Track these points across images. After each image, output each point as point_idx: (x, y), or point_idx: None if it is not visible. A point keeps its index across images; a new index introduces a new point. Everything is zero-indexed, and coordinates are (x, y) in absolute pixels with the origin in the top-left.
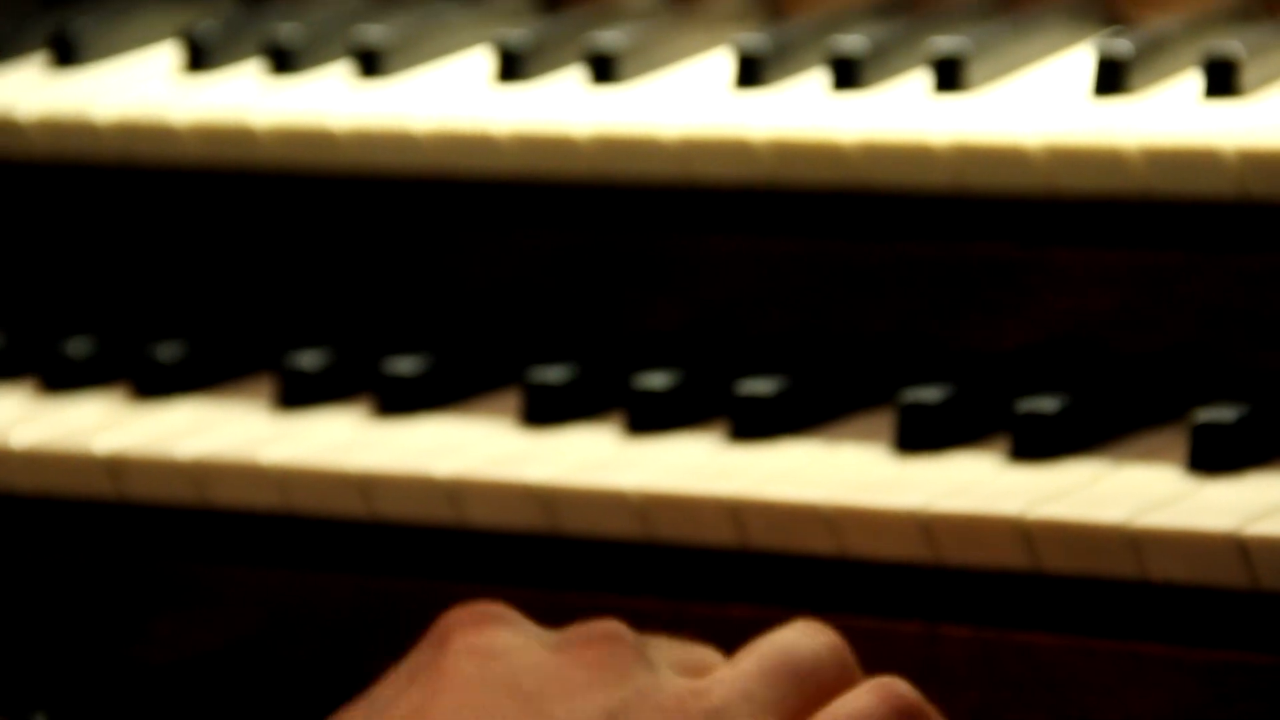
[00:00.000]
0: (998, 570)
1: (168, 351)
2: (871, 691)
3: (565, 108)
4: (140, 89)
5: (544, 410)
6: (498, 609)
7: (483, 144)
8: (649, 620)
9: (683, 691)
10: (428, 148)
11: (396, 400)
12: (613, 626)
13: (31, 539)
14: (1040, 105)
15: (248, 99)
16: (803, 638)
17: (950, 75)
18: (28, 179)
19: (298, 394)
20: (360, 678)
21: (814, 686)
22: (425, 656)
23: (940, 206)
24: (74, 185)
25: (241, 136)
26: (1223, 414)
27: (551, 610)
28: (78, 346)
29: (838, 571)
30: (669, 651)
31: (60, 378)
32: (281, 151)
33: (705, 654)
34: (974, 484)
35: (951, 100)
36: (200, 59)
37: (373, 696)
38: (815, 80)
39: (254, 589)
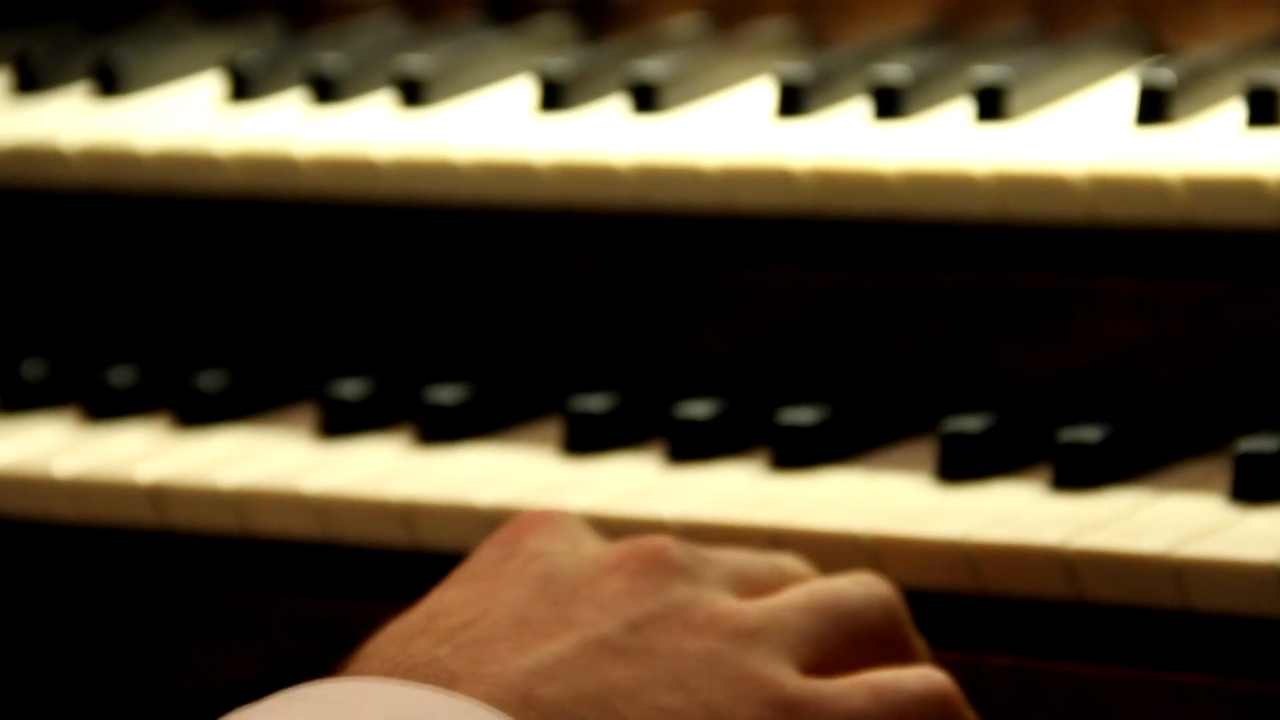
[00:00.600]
0: (1039, 599)
1: (210, 380)
2: (920, 680)
3: (607, 137)
4: (183, 119)
5: (585, 439)
6: (559, 515)
7: (524, 173)
8: None
9: (718, 609)
10: (469, 177)
11: (438, 429)
12: (661, 541)
13: (73, 567)
14: (1082, 134)
15: (290, 129)
16: (856, 586)
17: (992, 104)
18: (70, 208)
19: (339, 423)
20: None
21: (859, 632)
22: (483, 557)
23: (982, 235)
24: (116, 214)
25: (284, 166)
26: (1265, 444)
27: None
28: (120, 375)
29: None
30: (729, 564)
31: (102, 406)
32: (323, 181)
33: (778, 565)
34: (1015, 513)
35: (993, 129)
36: (243, 89)
37: (436, 592)
38: (857, 109)
39: (295, 617)
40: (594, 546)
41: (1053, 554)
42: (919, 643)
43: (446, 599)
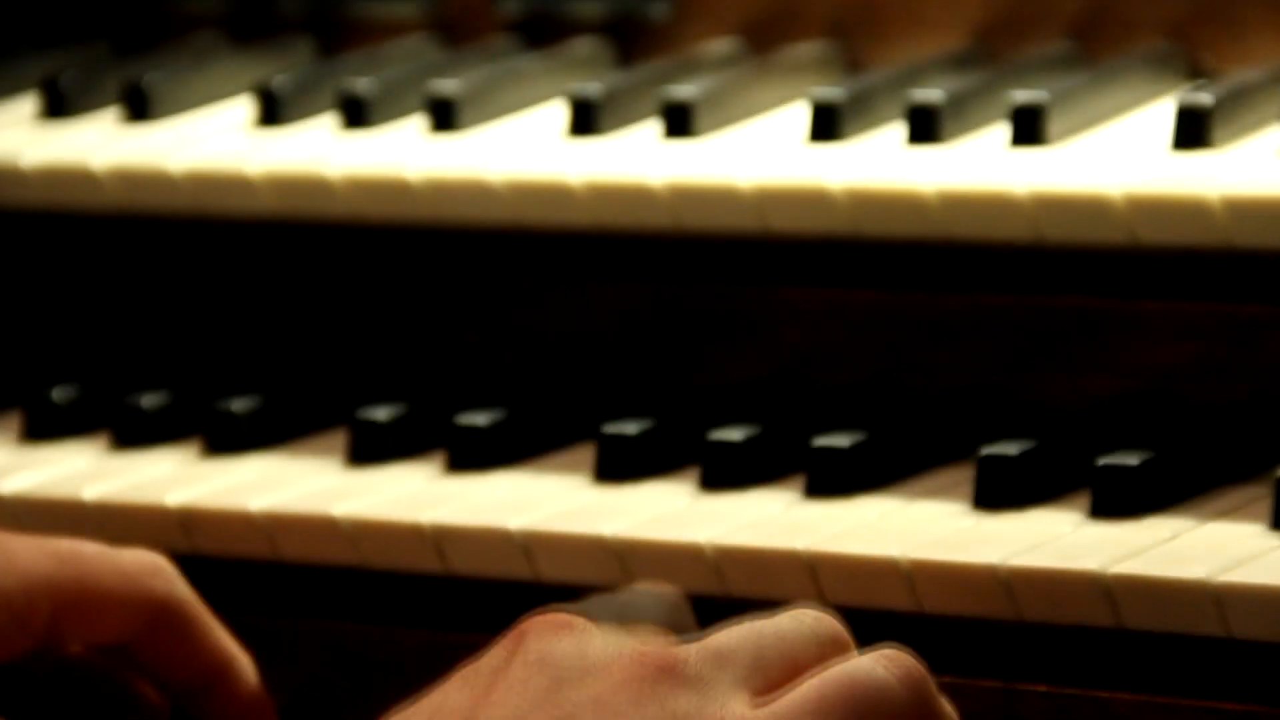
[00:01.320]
0: (1077, 627)
1: (240, 405)
2: (883, 659)
3: (640, 159)
4: (215, 142)
5: (618, 464)
6: (569, 618)
7: (557, 195)
8: None
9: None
10: (503, 199)
11: (469, 454)
12: (672, 652)
13: None
14: (1120, 157)
15: (322, 151)
16: (877, 667)
17: (1029, 127)
18: (100, 231)
19: (370, 448)
20: None
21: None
22: (491, 658)
23: (1020, 259)
24: (147, 238)
25: (316, 188)
26: None
27: None
28: (149, 400)
29: (915, 628)
30: (746, 657)
31: (132, 432)
32: (356, 203)
33: (807, 635)
34: (1053, 539)
35: (1031, 152)
36: (274, 112)
37: (440, 690)
38: (893, 132)
39: (326, 643)
40: (602, 650)
41: (1091, 581)
42: (948, 711)
43: (449, 699)
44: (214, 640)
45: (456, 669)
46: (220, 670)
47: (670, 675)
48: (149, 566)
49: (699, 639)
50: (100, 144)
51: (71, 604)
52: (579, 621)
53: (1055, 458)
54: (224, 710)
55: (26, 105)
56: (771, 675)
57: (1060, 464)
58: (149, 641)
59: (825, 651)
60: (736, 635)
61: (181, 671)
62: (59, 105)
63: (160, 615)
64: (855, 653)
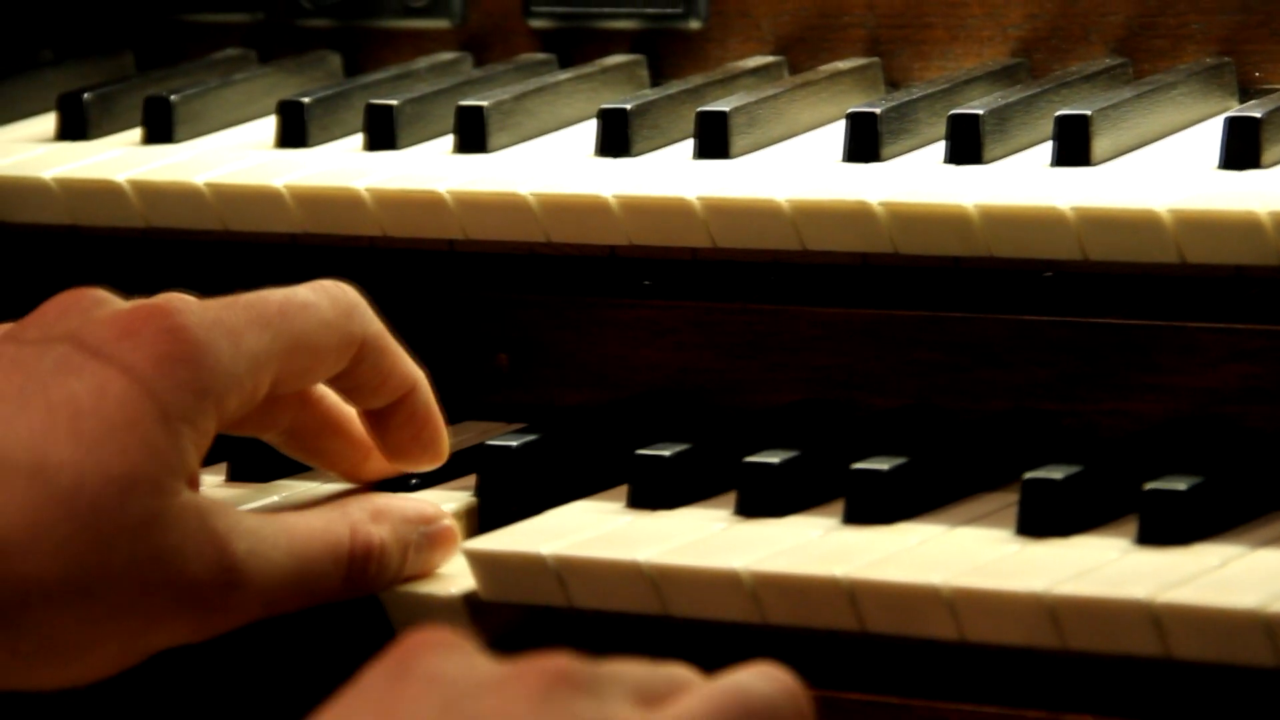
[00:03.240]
0: (1125, 657)
1: None
2: (764, 677)
3: (675, 177)
4: (241, 160)
5: (652, 489)
6: (450, 636)
7: (591, 213)
8: None
9: None
10: (535, 217)
11: (498, 480)
12: (561, 660)
13: None
14: (1168, 175)
15: (352, 168)
16: (759, 680)
17: (1074, 143)
18: (125, 249)
19: (398, 476)
20: None
21: None
22: (373, 680)
23: (1065, 279)
24: (172, 255)
25: (346, 205)
26: None
27: None
28: None
29: (958, 657)
30: (629, 677)
31: None
32: (387, 220)
33: (675, 676)
34: (1100, 566)
35: (1075, 170)
36: (302, 129)
37: (325, 709)
38: (934, 149)
39: None
40: (490, 668)
41: (1139, 609)
42: None
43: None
44: (402, 363)
45: (331, 698)
46: (408, 388)
47: (566, 683)
48: (346, 308)
49: None
50: (124, 162)
51: (288, 369)
52: (458, 639)
53: (1102, 483)
54: (409, 421)
55: (48, 122)
56: (656, 692)
57: (1107, 489)
58: (349, 374)
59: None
60: (613, 664)
61: (376, 396)
62: (80, 124)
63: (360, 352)
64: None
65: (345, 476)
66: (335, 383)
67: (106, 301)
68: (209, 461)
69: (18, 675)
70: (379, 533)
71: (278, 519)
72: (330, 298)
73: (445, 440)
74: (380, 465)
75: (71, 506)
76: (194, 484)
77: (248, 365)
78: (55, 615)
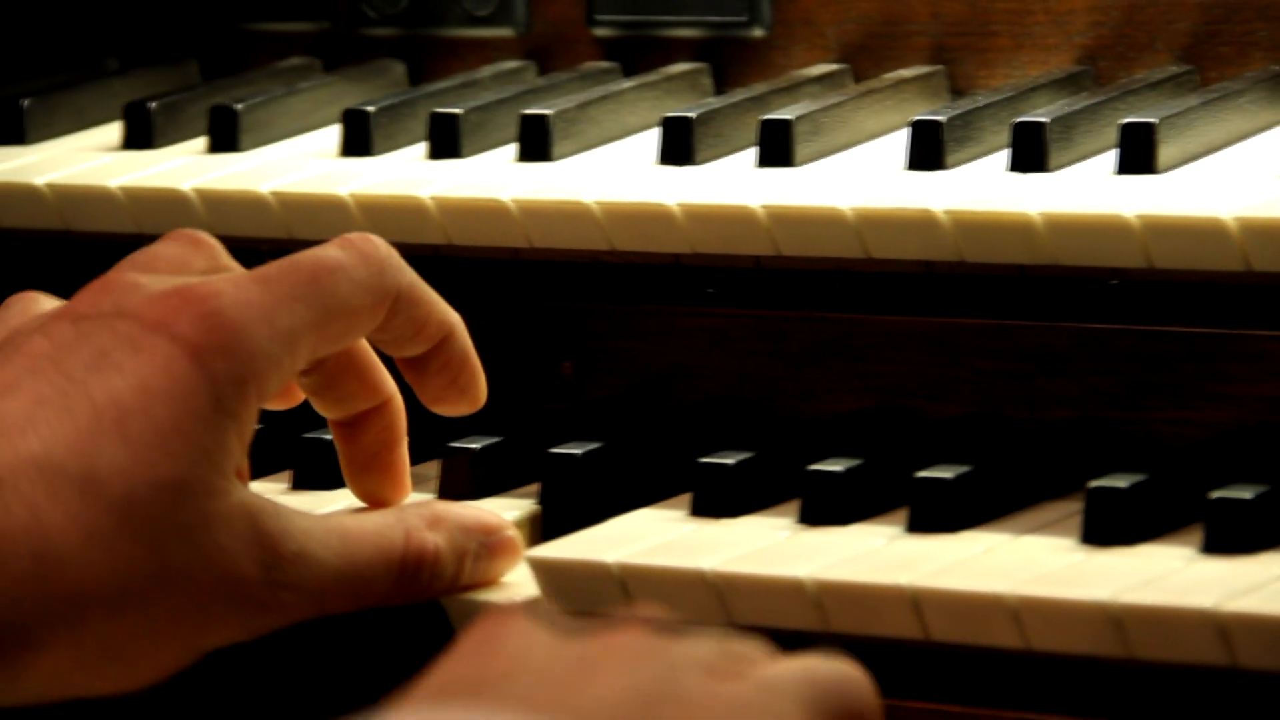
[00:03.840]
0: (1190, 666)
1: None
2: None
3: (738, 185)
4: (305, 168)
5: (715, 497)
6: (528, 612)
7: (655, 222)
8: None
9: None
10: (599, 225)
11: (565, 488)
12: (634, 631)
13: None
14: (1234, 181)
15: (416, 176)
16: (829, 663)
17: (1139, 151)
18: None
19: (465, 479)
20: None
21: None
22: (458, 657)
23: (1130, 287)
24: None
25: (410, 214)
26: None
27: None
28: None
29: (1022, 666)
30: (702, 650)
31: None
32: (450, 229)
33: (746, 651)
34: (1165, 575)
35: (1141, 178)
36: (366, 138)
37: (418, 688)
38: (998, 157)
39: None
40: (564, 646)
41: (1205, 618)
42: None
43: (452, 672)
44: (438, 310)
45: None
46: (445, 334)
47: (647, 634)
48: (377, 264)
49: None
50: (189, 171)
51: (324, 337)
52: (536, 614)
53: (1167, 491)
54: (445, 366)
55: (114, 131)
56: (728, 667)
57: (1172, 497)
58: (385, 327)
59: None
60: (694, 631)
61: (412, 344)
62: (146, 133)
63: (395, 305)
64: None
65: (365, 423)
66: (371, 335)
67: (138, 287)
68: (275, 468)
69: (81, 683)
70: (434, 540)
71: (331, 520)
72: (360, 254)
73: (483, 385)
74: (395, 412)
75: (124, 515)
76: (243, 476)
77: (284, 344)
78: (114, 623)
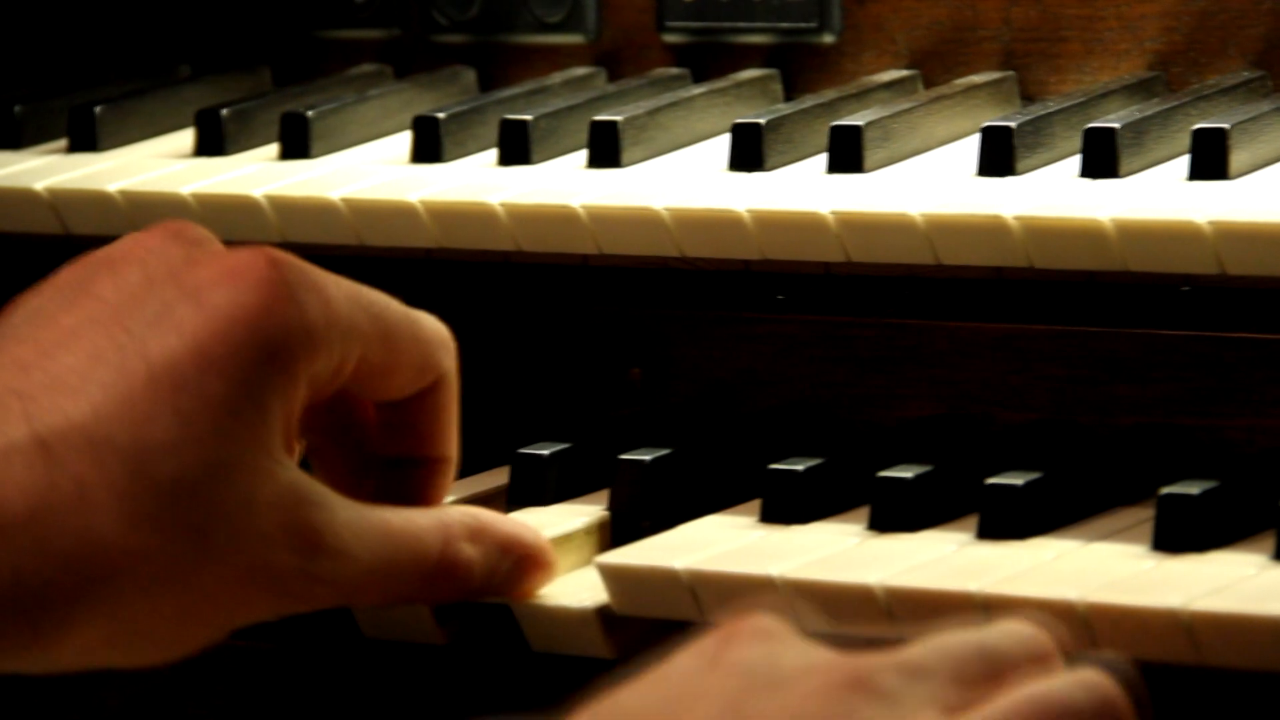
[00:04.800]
0: (1264, 673)
1: None
2: (1081, 686)
3: (809, 191)
4: (375, 175)
5: (786, 503)
6: (773, 624)
7: (725, 228)
8: None
9: None
10: (669, 231)
11: (636, 493)
12: (868, 664)
13: None
14: None
15: (486, 183)
16: (1077, 692)
17: (1211, 157)
18: None
19: (531, 488)
20: None
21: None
22: (687, 660)
23: (1201, 293)
24: None
25: (480, 220)
26: None
27: None
28: None
29: None
30: (944, 670)
31: None
32: (521, 235)
33: (996, 658)
34: (1237, 582)
35: (1212, 184)
36: (436, 145)
37: (628, 690)
38: (1069, 162)
39: None
40: (796, 660)
41: (1276, 625)
42: None
43: (631, 704)
44: (452, 426)
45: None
46: (446, 453)
47: (861, 688)
48: (440, 338)
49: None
50: (260, 178)
51: (371, 358)
52: (780, 628)
53: (1238, 498)
54: (421, 488)
55: (186, 138)
56: (969, 692)
57: (1244, 504)
58: (414, 408)
59: (1029, 669)
60: (937, 647)
61: (425, 444)
62: (218, 140)
63: (433, 387)
64: (1058, 669)
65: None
66: (399, 409)
67: (207, 240)
68: None
69: (110, 657)
70: (470, 554)
71: (374, 516)
72: (429, 322)
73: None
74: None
75: (171, 496)
76: (291, 451)
77: (340, 335)
78: (149, 603)
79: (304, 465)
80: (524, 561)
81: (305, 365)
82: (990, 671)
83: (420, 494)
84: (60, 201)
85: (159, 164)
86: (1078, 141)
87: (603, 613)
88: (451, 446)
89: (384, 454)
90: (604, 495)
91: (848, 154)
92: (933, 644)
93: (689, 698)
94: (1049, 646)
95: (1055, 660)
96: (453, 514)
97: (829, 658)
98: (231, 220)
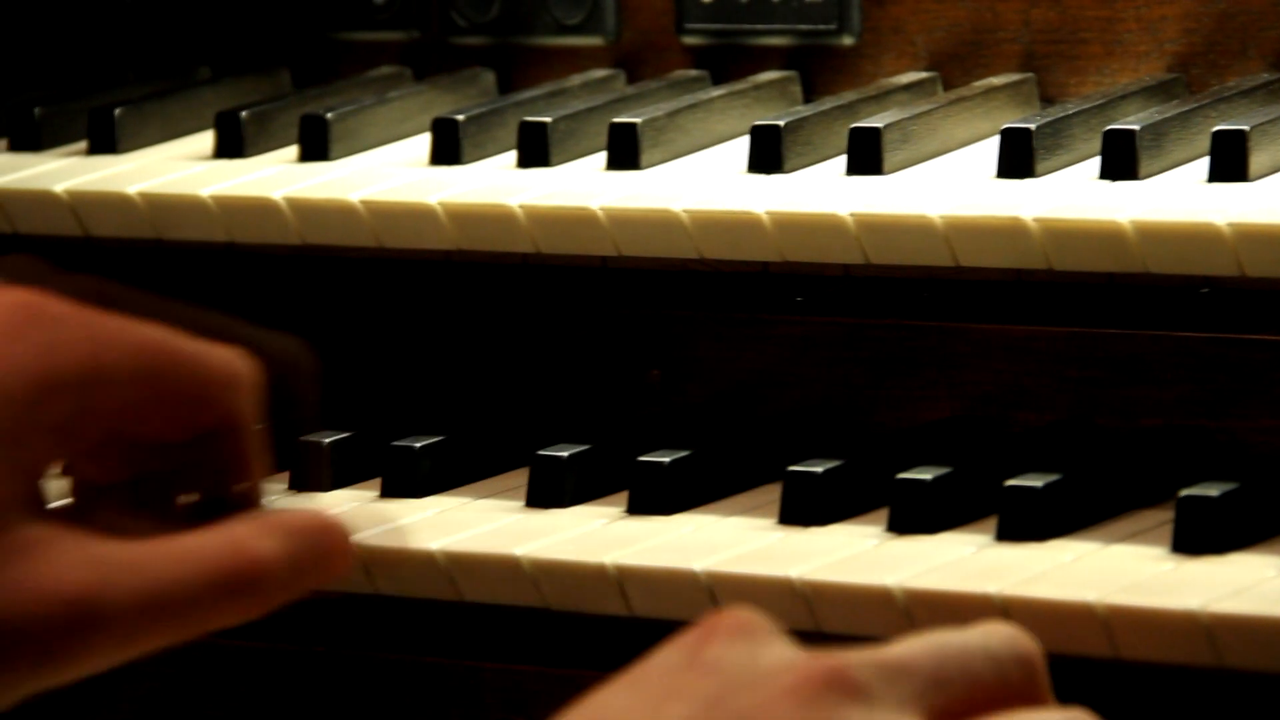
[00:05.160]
0: None
1: (421, 444)
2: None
3: (827, 193)
4: (394, 177)
5: (804, 505)
6: (751, 619)
7: (744, 230)
8: None
9: None
10: (688, 234)
11: (652, 495)
12: (843, 660)
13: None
14: None
15: (505, 185)
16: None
17: (1230, 159)
18: (284, 267)
19: (549, 489)
20: None
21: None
22: (665, 658)
23: (1220, 295)
24: (326, 274)
25: (500, 222)
26: None
27: None
28: (330, 439)
29: (1111, 675)
30: (922, 676)
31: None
32: (539, 236)
33: (972, 675)
34: (1258, 584)
35: (1231, 186)
36: (455, 147)
37: (607, 690)
38: (1089, 164)
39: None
40: (774, 658)
41: None
42: None
43: (611, 704)
44: (250, 470)
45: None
46: (245, 496)
47: (838, 686)
48: (226, 377)
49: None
50: (280, 180)
51: (133, 402)
52: (760, 624)
53: (1258, 500)
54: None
55: (206, 140)
56: (948, 696)
57: (1263, 506)
58: (203, 449)
59: (1012, 678)
60: (918, 648)
61: (218, 486)
62: (237, 142)
63: (222, 427)
64: (1045, 694)
65: None
66: (183, 448)
67: None
68: (363, 477)
69: None
70: (266, 546)
71: (138, 545)
72: (218, 359)
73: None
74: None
75: None
76: (39, 498)
77: (80, 377)
78: None
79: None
80: (324, 544)
81: (42, 411)
82: (971, 678)
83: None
84: (80, 204)
85: (178, 166)
86: (1097, 143)
87: None
88: (252, 488)
89: (180, 494)
90: (623, 497)
91: (867, 156)
92: (912, 643)
93: (666, 696)
94: (1032, 652)
95: (1038, 670)
96: (238, 517)
97: (805, 656)
98: (251, 222)
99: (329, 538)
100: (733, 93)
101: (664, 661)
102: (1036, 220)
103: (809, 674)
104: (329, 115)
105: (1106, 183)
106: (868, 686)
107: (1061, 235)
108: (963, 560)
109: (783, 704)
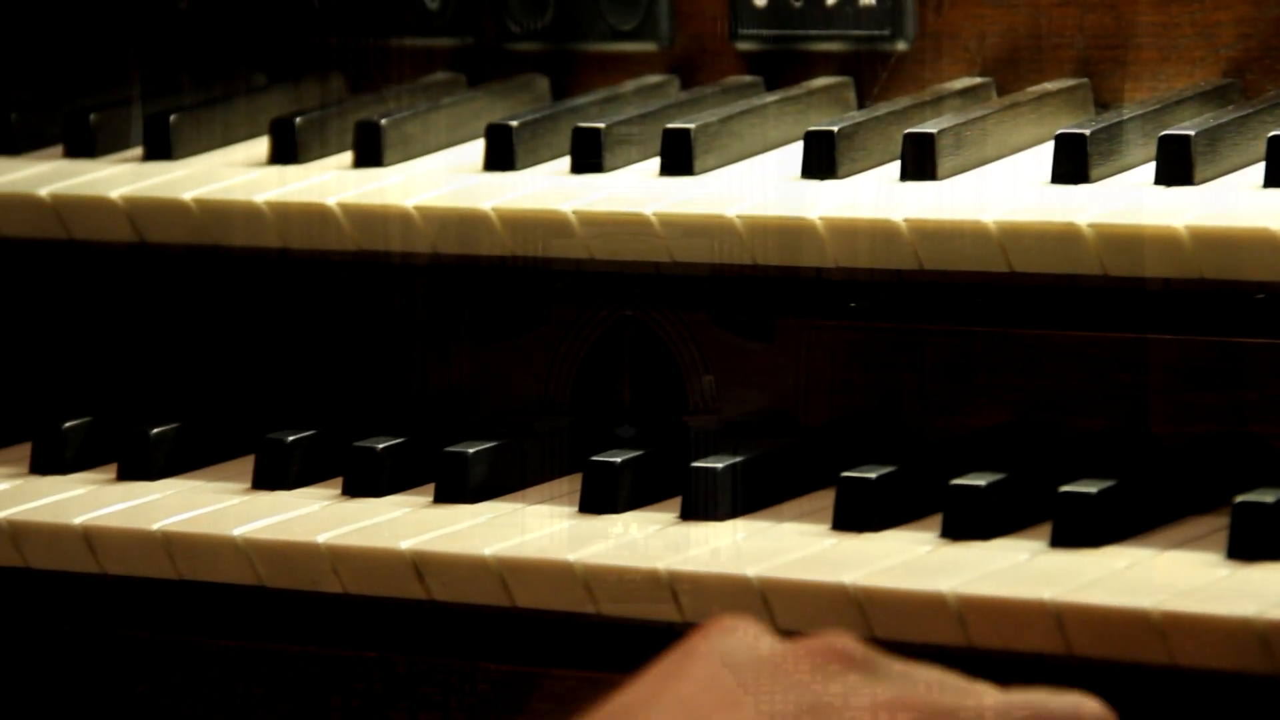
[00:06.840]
0: None
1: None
2: None
3: (881, 198)
4: (447, 183)
5: (857, 511)
6: (742, 621)
7: (797, 235)
8: None
9: (887, 702)
10: (741, 239)
11: (709, 501)
12: (843, 638)
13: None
14: None
15: (558, 190)
16: (1061, 702)
17: None
18: (335, 273)
19: (610, 495)
20: None
21: None
22: (669, 656)
23: (1276, 300)
24: (379, 278)
25: (555, 225)
26: None
27: None
28: (382, 443)
29: (1167, 681)
30: (914, 676)
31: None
32: (591, 241)
33: (960, 688)
34: None
35: None
36: (509, 153)
37: (629, 687)
38: (1144, 170)
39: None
40: (773, 647)
41: None
42: None
43: (628, 695)
44: None
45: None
46: None
47: (842, 660)
48: None
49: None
50: (334, 186)
51: None
52: (750, 624)
53: None
54: None
55: (261, 146)
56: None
57: None
58: None
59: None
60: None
61: None
62: (291, 148)
63: None
64: None
65: None
66: None
67: None
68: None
69: None
70: None
71: None
72: None
73: None
74: None
75: None
76: None
77: None
78: None
79: None
80: None
81: None
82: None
83: None
84: (136, 210)
85: (233, 172)
86: (1152, 149)
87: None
88: None
89: None
90: (676, 503)
91: (921, 161)
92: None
93: (672, 680)
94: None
95: None
96: None
97: (804, 639)
98: (305, 229)
99: None
100: (786, 98)
101: (666, 660)
102: (1091, 226)
103: (815, 646)
104: (383, 121)
105: (1161, 188)
106: (870, 660)
107: (1116, 241)
108: (1017, 566)
109: (788, 669)
